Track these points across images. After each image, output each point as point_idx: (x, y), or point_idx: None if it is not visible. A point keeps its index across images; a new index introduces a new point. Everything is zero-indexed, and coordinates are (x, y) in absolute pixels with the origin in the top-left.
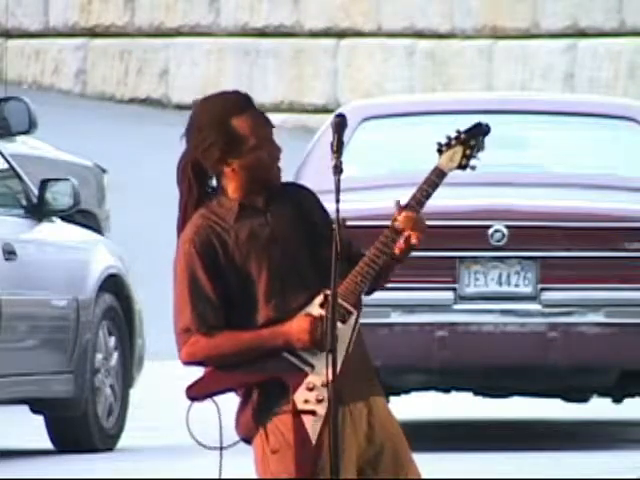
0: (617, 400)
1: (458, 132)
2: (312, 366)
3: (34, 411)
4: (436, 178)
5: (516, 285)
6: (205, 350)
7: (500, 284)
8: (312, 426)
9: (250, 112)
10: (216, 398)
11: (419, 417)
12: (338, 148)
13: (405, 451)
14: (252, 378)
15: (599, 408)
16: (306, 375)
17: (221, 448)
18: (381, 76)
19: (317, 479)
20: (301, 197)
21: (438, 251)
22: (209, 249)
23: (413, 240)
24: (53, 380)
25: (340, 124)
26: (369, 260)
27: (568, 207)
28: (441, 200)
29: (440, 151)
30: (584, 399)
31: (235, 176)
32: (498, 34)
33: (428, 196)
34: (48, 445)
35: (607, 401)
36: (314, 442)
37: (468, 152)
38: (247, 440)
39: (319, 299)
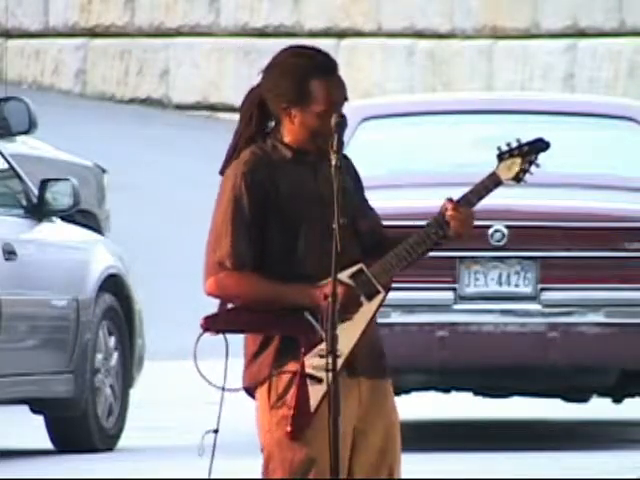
0: (617, 400)
1: (519, 142)
2: None
3: (34, 411)
4: (491, 184)
5: (516, 285)
6: (234, 287)
7: (500, 284)
8: (314, 393)
9: (332, 79)
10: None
11: (419, 417)
12: (338, 148)
13: (396, 444)
14: (268, 329)
15: (599, 408)
16: (321, 341)
17: (223, 389)
18: (381, 76)
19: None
20: (344, 164)
21: (438, 251)
22: (259, 188)
23: (450, 233)
24: (53, 380)
25: (340, 124)
26: (409, 246)
27: (568, 207)
28: (439, 200)
29: (500, 157)
30: (584, 399)
31: (293, 129)
32: (498, 34)
33: (480, 199)
34: (48, 445)
35: (607, 401)
36: (313, 409)
37: (526, 166)
38: (250, 391)
39: (353, 269)
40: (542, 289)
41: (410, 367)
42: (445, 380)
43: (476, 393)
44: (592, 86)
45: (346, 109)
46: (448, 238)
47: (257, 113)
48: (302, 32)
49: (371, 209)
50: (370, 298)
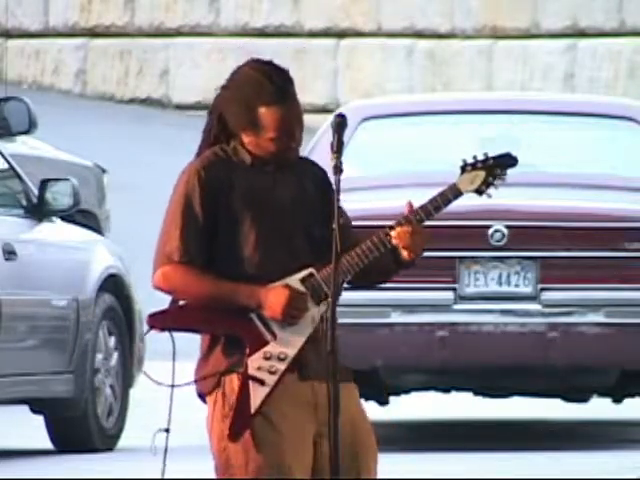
0: (617, 400)
1: (486, 156)
2: (275, 336)
3: (34, 411)
4: (451, 195)
5: (516, 285)
6: (180, 281)
7: (500, 284)
8: (256, 394)
9: (281, 105)
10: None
11: (419, 417)
12: (338, 148)
13: (363, 447)
14: (214, 328)
15: (599, 408)
16: (266, 343)
17: (172, 386)
18: (381, 76)
19: None
20: (312, 173)
21: (438, 251)
22: (212, 185)
23: (404, 256)
24: (53, 380)
25: (340, 124)
26: (361, 252)
27: (568, 207)
28: None
29: (463, 169)
30: (584, 399)
31: (249, 144)
32: (498, 34)
33: (438, 209)
34: (48, 445)
35: (607, 401)
36: (253, 411)
37: (490, 179)
38: (202, 396)
39: (303, 273)
40: (542, 289)
41: (410, 367)
42: (445, 380)
43: (476, 393)
44: (592, 86)
45: (346, 109)
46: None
47: (216, 125)
48: (302, 32)
49: (342, 215)
50: (318, 302)
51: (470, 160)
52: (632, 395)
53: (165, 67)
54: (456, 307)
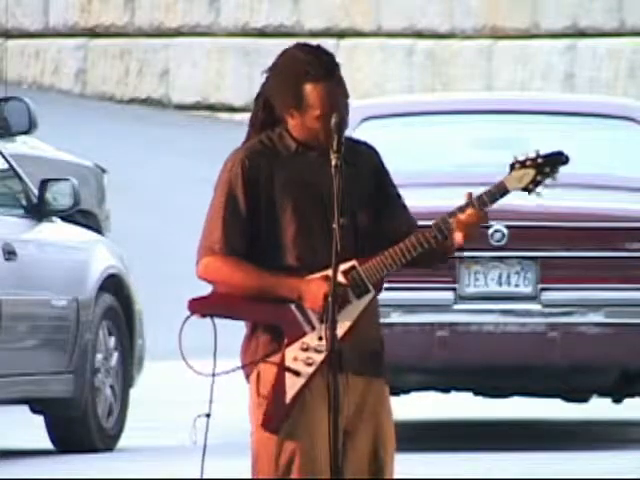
0: (617, 400)
1: (537, 154)
2: (313, 327)
3: (34, 411)
4: (498, 193)
5: (516, 285)
6: (221, 272)
7: (500, 284)
8: (291, 385)
9: (326, 83)
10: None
11: (419, 417)
12: (338, 148)
13: (386, 445)
14: (254, 317)
15: (599, 408)
16: (304, 334)
17: (214, 375)
18: (381, 76)
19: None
20: (364, 160)
21: None
22: (254, 175)
23: (458, 239)
24: (53, 380)
25: (340, 124)
26: (405, 248)
27: (568, 207)
28: (440, 200)
29: (512, 166)
30: (584, 399)
31: (296, 128)
32: (498, 34)
33: (484, 206)
34: (48, 445)
35: (607, 401)
36: (288, 401)
37: (539, 178)
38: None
39: (345, 266)
40: (542, 289)
41: (410, 367)
42: (445, 380)
43: (476, 393)
44: (592, 86)
45: None
46: (448, 246)
47: (262, 111)
48: (302, 32)
49: (403, 207)
50: (359, 297)
51: (520, 157)
52: (632, 395)
53: (165, 67)
54: (456, 307)
